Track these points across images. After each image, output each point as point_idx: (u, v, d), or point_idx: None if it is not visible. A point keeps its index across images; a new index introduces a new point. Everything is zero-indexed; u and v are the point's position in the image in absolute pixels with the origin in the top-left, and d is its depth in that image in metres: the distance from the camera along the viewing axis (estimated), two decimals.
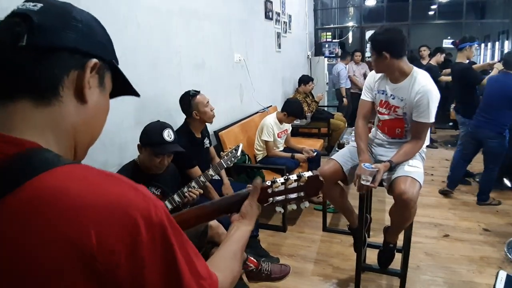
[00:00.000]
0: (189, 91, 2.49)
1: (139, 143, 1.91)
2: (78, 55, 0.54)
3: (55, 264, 0.44)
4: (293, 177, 0.83)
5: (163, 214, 0.51)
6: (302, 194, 0.84)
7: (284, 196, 0.83)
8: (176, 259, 0.52)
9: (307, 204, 0.85)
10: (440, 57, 5.22)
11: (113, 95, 0.65)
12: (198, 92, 2.50)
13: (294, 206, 0.85)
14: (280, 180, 0.83)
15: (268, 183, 0.83)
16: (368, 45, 7.70)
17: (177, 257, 0.52)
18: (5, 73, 0.51)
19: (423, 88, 1.90)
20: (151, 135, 1.87)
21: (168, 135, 1.88)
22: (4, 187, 0.46)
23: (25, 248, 0.44)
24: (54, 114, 0.53)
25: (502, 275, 1.38)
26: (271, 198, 0.83)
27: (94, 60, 0.56)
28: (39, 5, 0.53)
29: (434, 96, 1.91)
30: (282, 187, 0.83)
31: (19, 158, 0.48)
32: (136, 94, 0.68)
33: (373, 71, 2.13)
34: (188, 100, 2.46)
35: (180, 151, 1.92)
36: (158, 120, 2.01)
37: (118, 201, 0.48)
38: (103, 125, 0.64)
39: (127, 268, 0.46)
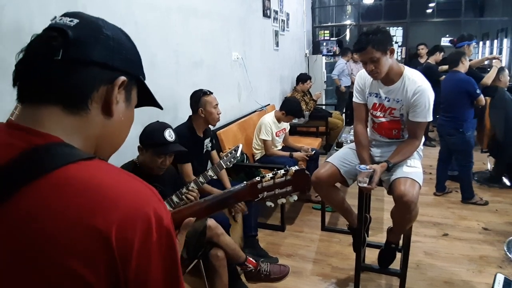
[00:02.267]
0: (202, 89, 2.51)
1: (139, 145, 1.88)
2: (108, 70, 0.57)
3: (78, 248, 0.46)
4: (281, 171, 0.85)
5: (169, 219, 0.54)
6: (289, 188, 0.86)
7: (273, 191, 0.85)
8: (177, 265, 0.54)
9: (295, 197, 0.87)
10: (438, 56, 5.20)
11: (137, 105, 0.68)
12: (211, 92, 2.52)
13: (283, 200, 0.88)
14: (269, 175, 0.85)
15: (258, 178, 0.84)
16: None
17: (177, 263, 0.54)
18: (41, 82, 0.54)
19: (420, 87, 1.88)
20: (153, 136, 1.85)
21: (170, 135, 1.87)
22: (31, 174, 0.48)
23: (49, 230, 0.46)
24: (81, 123, 0.56)
25: (500, 278, 1.37)
26: (260, 194, 0.85)
27: (123, 78, 0.58)
28: (76, 20, 0.56)
29: (431, 94, 1.90)
30: (271, 182, 0.85)
31: (45, 149, 0.51)
32: (159, 106, 0.72)
33: (362, 72, 2.08)
34: (198, 97, 2.47)
35: (182, 150, 1.91)
36: (157, 121, 1.98)
37: (139, 198, 0.52)
38: (126, 136, 0.67)
39: (136, 262, 0.49)
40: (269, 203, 0.88)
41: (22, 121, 0.54)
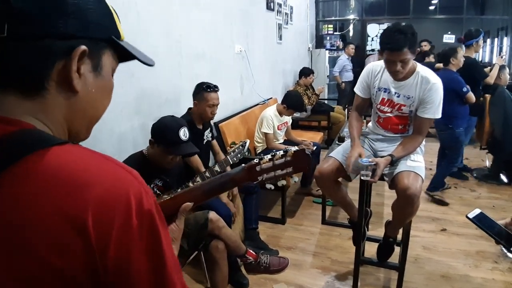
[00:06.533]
0: (209, 83, 2.45)
1: (151, 138, 1.86)
2: (63, 41, 0.49)
3: (52, 238, 0.44)
4: (280, 152, 0.83)
5: (152, 202, 0.50)
6: (290, 169, 0.83)
7: (273, 172, 0.83)
8: (162, 250, 0.51)
9: (296, 178, 0.86)
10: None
11: (124, 60, 0.62)
12: (216, 90, 2.47)
13: (284, 182, 0.85)
14: (268, 156, 0.83)
15: (256, 160, 0.82)
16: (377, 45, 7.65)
17: (163, 248, 0.51)
18: None
19: (435, 85, 1.89)
20: (167, 134, 1.82)
21: (184, 134, 1.84)
22: (0, 163, 0.45)
23: (20, 220, 0.44)
24: (44, 106, 0.51)
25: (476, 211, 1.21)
26: (260, 177, 0.83)
27: (82, 48, 0.50)
28: None
29: (442, 92, 1.92)
30: (270, 164, 0.82)
31: (15, 135, 0.47)
32: (146, 63, 0.63)
33: (370, 66, 2.07)
34: (199, 89, 2.46)
35: (195, 151, 1.89)
36: (173, 116, 1.95)
37: (115, 182, 0.48)
38: (107, 104, 0.61)
39: (115, 250, 0.45)
40: (269, 186, 0.87)
41: None
